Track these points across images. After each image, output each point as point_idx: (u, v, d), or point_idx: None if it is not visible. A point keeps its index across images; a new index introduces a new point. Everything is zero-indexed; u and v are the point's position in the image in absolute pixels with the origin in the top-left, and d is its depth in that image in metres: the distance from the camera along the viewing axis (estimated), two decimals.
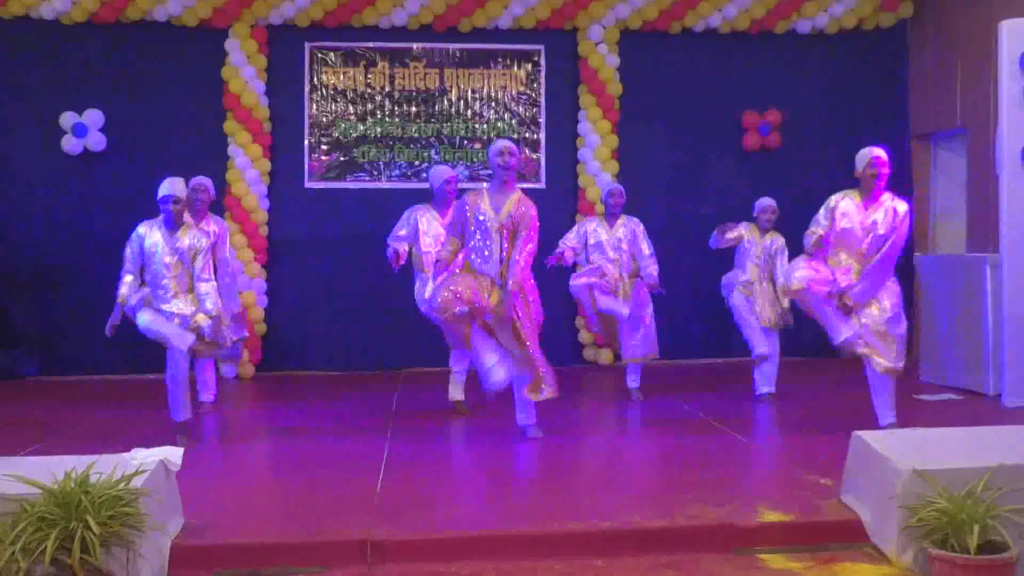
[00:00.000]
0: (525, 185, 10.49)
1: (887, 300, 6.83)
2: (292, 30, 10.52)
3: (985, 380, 8.35)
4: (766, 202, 8.42)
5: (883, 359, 6.79)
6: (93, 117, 10.10)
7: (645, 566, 4.61)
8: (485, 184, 7.00)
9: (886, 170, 6.84)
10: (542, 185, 10.66)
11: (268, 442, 7.59)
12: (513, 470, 6.37)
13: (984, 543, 4.20)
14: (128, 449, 4.91)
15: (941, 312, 8.99)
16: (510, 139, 7.77)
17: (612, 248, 8.35)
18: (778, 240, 8.26)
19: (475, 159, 10.77)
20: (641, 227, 8.48)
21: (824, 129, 11.03)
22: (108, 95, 10.26)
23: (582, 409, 8.59)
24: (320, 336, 10.59)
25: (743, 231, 8.39)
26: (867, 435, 5.21)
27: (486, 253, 6.75)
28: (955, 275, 8.83)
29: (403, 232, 7.92)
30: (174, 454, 4.91)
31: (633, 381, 8.67)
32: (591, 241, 8.39)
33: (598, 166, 10.62)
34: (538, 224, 6.83)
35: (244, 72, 10.27)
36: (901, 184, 11.23)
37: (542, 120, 10.89)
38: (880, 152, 6.83)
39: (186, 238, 6.85)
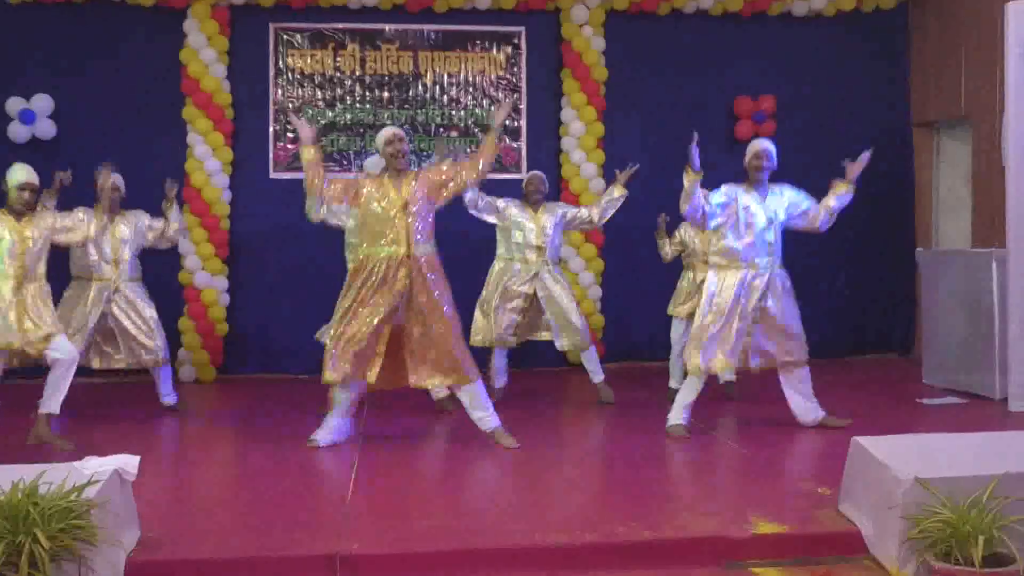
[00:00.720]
0: (506, 176, 10.51)
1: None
2: (255, 10, 10.47)
3: (991, 383, 8.40)
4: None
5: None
6: (42, 103, 10.03)
7: None
8: (384, 174, 7.07)
9: (768, 163, 7.43)
10: (523, 175, 10.65)
11: (230, 450, 7.57)
12: (491, 480, 6.38)
13: (989, 555, 4.22)
14: (80, 457, 4.90)
15: (944, 311, 9.04)
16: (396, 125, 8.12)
17: (536, 236, 8.54)
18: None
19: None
20: (569, 208, 8.92)
21: (821, 117, 11.06)
22: (58, 79, 10.18)
23: (563, 415, 8.60)
24: (286, 337, 10.53)
25: (682, 236, 8.78)
26: (867, 441, 5.23)
27: (390, 235, 6.84)
28: (959, 271, 8.88)
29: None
30: (129, 463, 4.89)
31: (596, 374, 8.73)
32: (511, 219, 8.57)
33: (583, 155, 10.63)
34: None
35: (204, 55, 10.21)
36: (903, 174, 11.33)
37: (523, 107, 10.89)
38: (768, 145, 7.48)
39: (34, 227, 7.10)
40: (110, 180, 7.54)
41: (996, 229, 9.05)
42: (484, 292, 8.69)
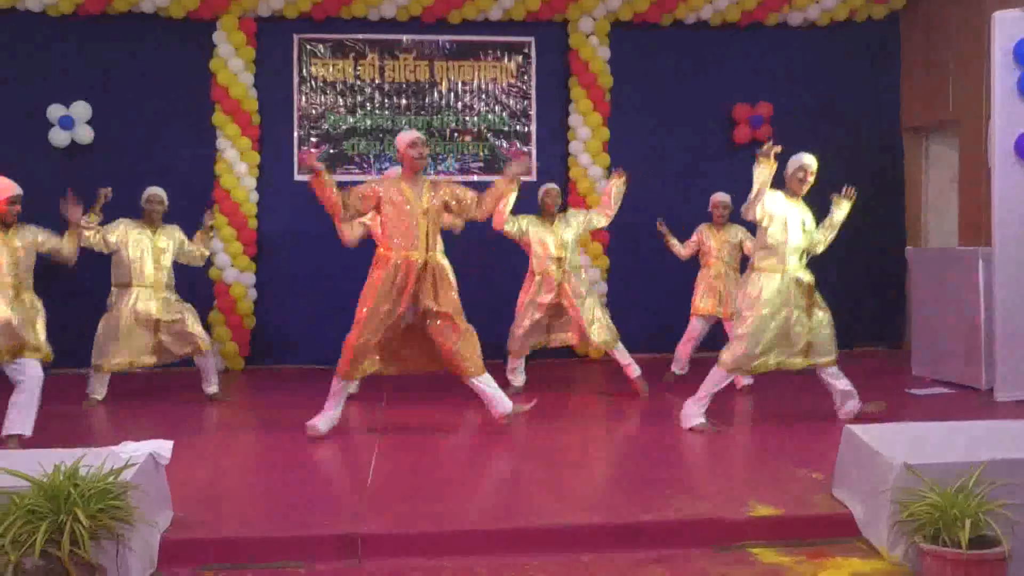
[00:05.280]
0: None
1: None
2: (280, 21, 10.49)
3: (978, 374, 8.37)
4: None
5: None
6: (80, 109, 10.07)
7: (633, 561, 4.62)
8: (396, 174, 7.17)
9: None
10: (533, 178, 10.64)
11: (256, 436, 7.58)
12: (501, 465, 6.38)
13: (975, 538, 4.21)
14: (118, 443, 4.91)
15: (933, 306, 9.01)
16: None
17: (556, 248, 8.44)
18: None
19: (465, 151, 10.76)
20: (581, 216, 8.66)
21: (815, 121, 11.01)
22: (95, 87, 10.22)
23: (568, 403, 8.58)
24: (309, 329, 10.56)
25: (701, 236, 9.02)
26: (858, 429, 5.23)
27: (412, 238, 6.75)
28: (947, 268, 8.85)
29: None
30: (163, 448, 4.91)
31: (634, 367, 8.63)
32: (532, 236, 8.46)
33: (589, 159, 10.62)
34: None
35: (232, 64, 10.24)
36: (894, 176, 11.29)
37: (533, 113, 10.88)
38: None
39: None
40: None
41: (982, 228, 9.03)
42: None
